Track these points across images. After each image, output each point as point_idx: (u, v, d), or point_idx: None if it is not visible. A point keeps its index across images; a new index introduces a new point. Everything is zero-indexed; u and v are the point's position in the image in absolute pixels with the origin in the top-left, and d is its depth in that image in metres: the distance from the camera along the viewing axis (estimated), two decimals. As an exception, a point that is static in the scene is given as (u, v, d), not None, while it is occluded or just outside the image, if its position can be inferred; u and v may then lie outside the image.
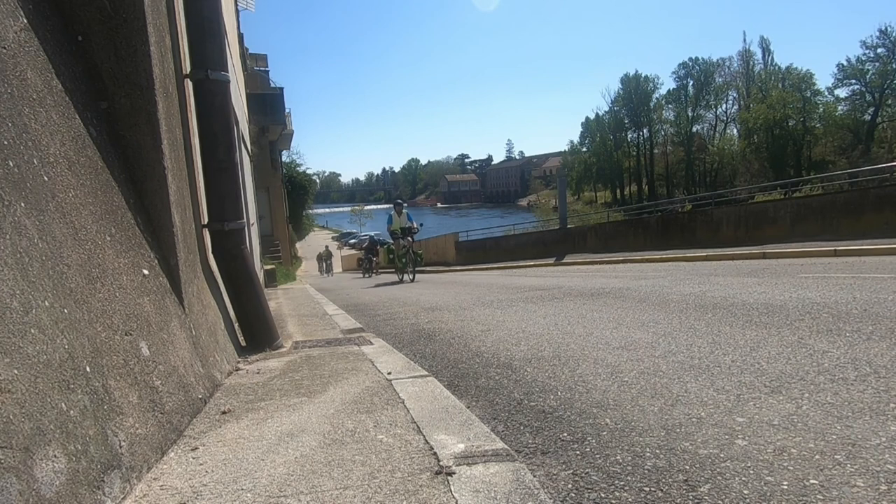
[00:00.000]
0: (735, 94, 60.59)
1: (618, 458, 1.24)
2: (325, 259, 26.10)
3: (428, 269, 18.54)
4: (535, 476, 1.12)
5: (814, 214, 10.15)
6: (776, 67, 56.39)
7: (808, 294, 3.32)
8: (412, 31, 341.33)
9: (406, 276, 10.47)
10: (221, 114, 2.54)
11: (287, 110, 21.51)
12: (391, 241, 11.61)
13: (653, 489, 1.08)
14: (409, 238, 10.50)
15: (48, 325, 1.03)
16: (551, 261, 12.48)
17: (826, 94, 51.13)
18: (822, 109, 50.76)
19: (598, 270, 8.22)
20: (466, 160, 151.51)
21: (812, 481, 1.04)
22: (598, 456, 1.27)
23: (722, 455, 1.20)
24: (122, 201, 1.65)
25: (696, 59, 62.14)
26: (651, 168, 65.94)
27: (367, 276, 17.47)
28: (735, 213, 11.93)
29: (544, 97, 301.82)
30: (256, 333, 2.72)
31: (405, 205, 11.16)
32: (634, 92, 67.00)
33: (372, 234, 20.38)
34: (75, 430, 0.99)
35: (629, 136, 68.98)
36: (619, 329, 2.79)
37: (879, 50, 46.51)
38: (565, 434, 1.43)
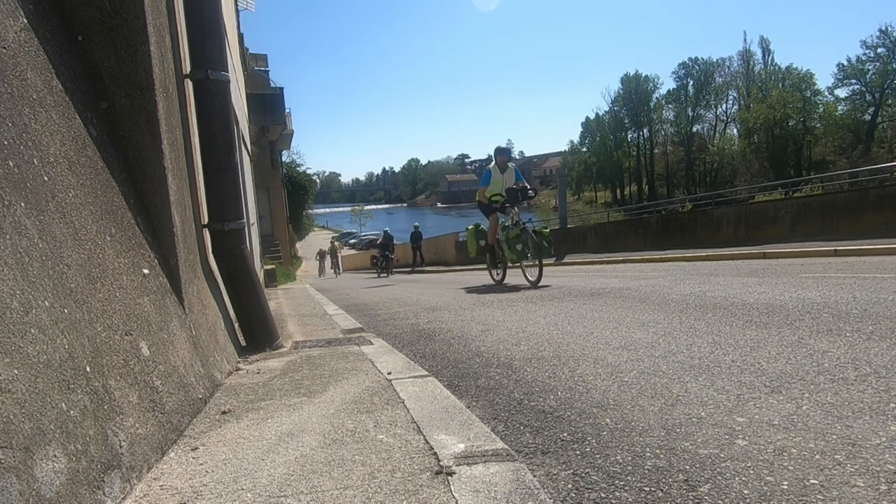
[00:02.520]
0: (735, 94, 60.59)
1: (618, 457, 1.24)
2: (331, 255, 24.62)
3: (428, 269, 18.43)
4: (535, 476, 1.12)
5: (814, 214, 10.15)
6: (776, 67, 56.43)
7: (808, 294, 3.32)
8: (412, 31, 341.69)
9: (524, 274, 6.05)
10: (221, 114, 2.54)
11: (287, 110, 21.54)
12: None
13: (653, 489, 1.08)
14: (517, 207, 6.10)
15: (48, 325, 1.03)
16: (551, 261, 12.48)
17: (826, 93, 51.17)
18: (822, 109, 50.77)
19: (598, 270, 8.22)
20: (466, 160, 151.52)
21: (812, 481, 1.04)
22: (598, 456, 1.27)
23: (722, 455, 1.20)
24: (122, 201, 1.65)
25: (696, 59, 62.19)
26: (651, 168, 65.94)
27: (382, 275, 16.28)
28: (735, 213, 11.93)
29: (544, 97, 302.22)
30: (256, 333, 2.72)
31: (510, 155, 6.75)
32: (634, 92, 67.00)
33: (385, 228, 19.28)
34: (75, 430, 0.99)
35: (629, 135, 69.00)
36: (619, 329, 2.79)
37: (879, 50, 46.53)
38: (565, 434, 1.42)
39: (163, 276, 1.78)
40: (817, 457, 1.14)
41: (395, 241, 18.64)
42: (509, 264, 6.44)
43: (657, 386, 1.75)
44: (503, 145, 6.85)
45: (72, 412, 1.00)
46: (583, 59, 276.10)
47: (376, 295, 7.37)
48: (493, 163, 6.70)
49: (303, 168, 33.49)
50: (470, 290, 6.36)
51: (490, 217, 6.60)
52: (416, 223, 20.58)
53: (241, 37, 13.58)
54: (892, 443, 1.17)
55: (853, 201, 9.76)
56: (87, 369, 1.12)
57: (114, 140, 1.74)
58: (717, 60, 61.01)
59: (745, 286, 4.02)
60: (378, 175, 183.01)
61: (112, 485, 1.04)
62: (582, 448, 1.32)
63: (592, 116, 73.29)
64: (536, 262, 5.75)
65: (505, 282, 6.56)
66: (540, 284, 5.61)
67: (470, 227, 7.17)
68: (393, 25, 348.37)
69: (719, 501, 1.01)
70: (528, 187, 6.38)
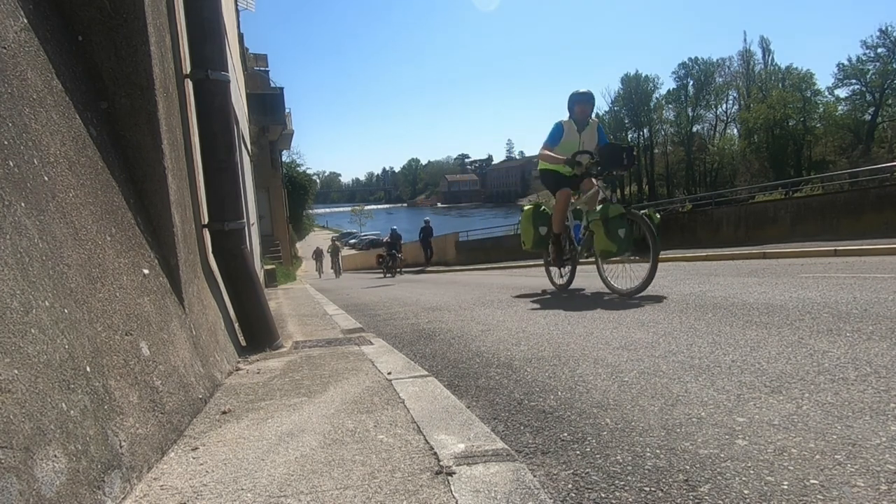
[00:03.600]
0: (735, 94, 60.63)
1: (618, 457, 1.24)
2: (332, 255, 23.59)
3: (428, 268, 18.36)
4: (535, 476, 1.12)
5: (814, 214, 10.16)
6: (776, 67, 56.49)
7: (808, 294, 3.32)
8: (412, 32, 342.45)
9: (602, 275, 4.25)
10: (221, 114, 2.54)
11: (287, 110, 21.58)
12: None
13: (653, 489, 1.08)
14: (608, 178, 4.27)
15: (48, 325, 1.03)
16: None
17: (826, 93, 51.23)
18: (822, 109, 50.85)
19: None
20: (466, 160, 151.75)
21: (812, 481, 1.04)
22: (598, 456, 1.27)
23: (722, 455, 1.20)
24: (122, 201, 1.65)
25: (696, 59, 62.31)
26: (651, 168, 65.98)
27: (388, 275, 15.49)
28: (735, 213, 11.94)
29: (545, 97, 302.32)
30: (256, 333, 2.72)
31: (594, 103, 4.76)
32: (634, 92, 67.06)
33: (393, 227, 18.25)
34: (75, 430, 0.99)
35: (629, 135, 69.00)
36: (619, 329, 2.79)
37: (880, 50, 46.61)
38: (565, 434, 1.42)
39: (163, 276, 1.78)
40: (817, 457, 1.14)
41: (402, 241, 17.77)
42: (601, 262, 4.25)
43: (657, 386, 1.75)
44: (582, 89, 4.66)
45: (72, 412, 1.00)
46: (583, 59, 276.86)
47: (376, 295, 7.38)
48: (568, 116, 4.66)
49: (303, 168, 33.63)
50: (473, 290, 6.36)
51: (559, 193, 4.54)
52: (427, 218, 19.96)
53: (241, 37, 13.58)
54: (892, 443, 1.17)
55: (853, 201, 9.77)
56: (88, 369, 1.12)
57: (114, 140, 1.74)
58: (717, 60, 61.18)
59: (745, 286, 4.02)
60: (378, 175, 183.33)
61: (112, 485, 1.04)
62: (582, 448, 1.32)
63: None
64: (649, 255, 3.75)
65: (573, 287, 4.80)
66: (647, 286, 3.78)
67: (526, 206, 5.27)
68: (393, 26, 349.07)
69: (719, 501, 1.01)
70: (625, 149, 4.15)
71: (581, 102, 4.64)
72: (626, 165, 4.15)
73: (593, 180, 4.36)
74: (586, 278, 5.04)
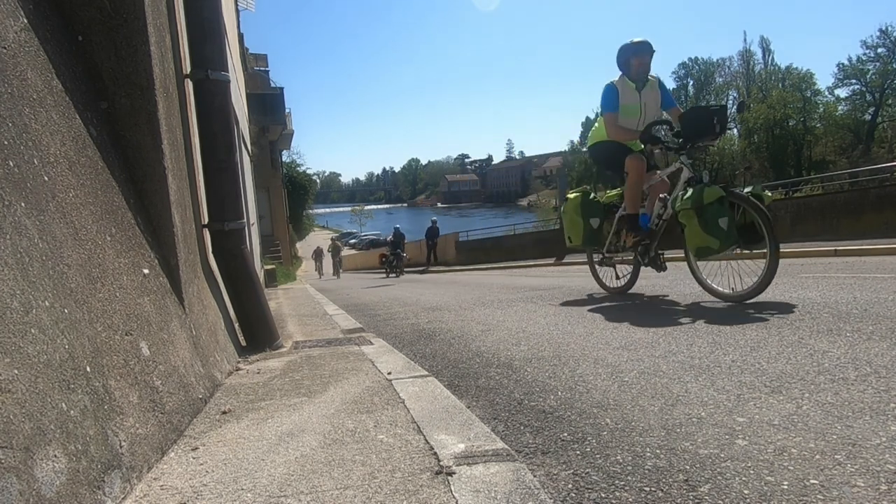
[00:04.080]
0: (735, 94, 60.53)
1: (618, 457, 1.24)
2: (333, 255, 23.11)
3: (430, 269, 18.35)
4: (535, 476, 1.12)
5: (814, 214, 10.17)
6: (776, 67, 56.44)
7: (808, 294, 3.31)
8: (412, 32, 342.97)
9: (697, 276, 3.37)
10: (221, 114, 2.54)
11: (287, 110, 21.60)
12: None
13: (653, 489, 1.08)
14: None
15: (48, 325, 1.03)
16: (551, 261, 12.47)
17: (826, 93, 51.19)
18: (822, 109, 50.80)
19: (598, 270, 8.19)
20: (466, 160, 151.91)
21: (812, 481, 1.04)
22: (598, 456, 1.27)
23: (722, 455, 1.20)
24: (122, 201, 1.64)
25: (696, 59, 62.20)
26: (651, 168, 65.88)
27: (391, 275, 15.25)
28: (735, 213, 11.90)
29: (545, 97, 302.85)
30: (256, 333, 2.72)
31: (653, 55, 3.67)
32: (634, 92, 66.84)
33: (396, 225, 17.73)
34: (76, 430, 0.99)
35: (629, 135, 68.84)
36: (619, 329, 2.79)
37: (880, 50, 46.59)
38: (565, 434, 1.42)
39: (163, 276, 1.78)
40: (817, 457, 1.14)
41: (405, 240, 17.36)
42: (694, 259, 3.35)
43: (657, 386, 1.75)
44: (637, 39, 3.71)
45: (72, 412, 1.00)
46: (583, 59, 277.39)
47: (376, 295, 7.38)
48: (620, 74, 3.77)
49: (303, 168, 33.68)
50: (473, 290, 6.35)
51: (630, 161, 3.62)
52: (434, 218, 19.79)
53: (241, 37, 13.59)
54: (892, 443, 1.17)
55: (853, 201, 9.78)
56: (88, 369, 1.12)
57: (114, 140, 1.74)
58: (717, 60, 61.07)
59: (745, 286, 4.01)
60: (378, 175, 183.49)
61: (112, 485, 1.04)
62: (582, 448, 1.32)
63: (592, 116, 73.30)
64: (769, 253, 2.91)
65: (633, 290, 4.05)
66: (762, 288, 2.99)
67: (572, 194, 4.22)
68: (393, 26, 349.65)
69: (719, 501, 1.01)
70: (724, 118, 3.23)
71: (639, 54, 3.64)
72: (719, 133, 3.25)
73: (659, 173, 3.69)
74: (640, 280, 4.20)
